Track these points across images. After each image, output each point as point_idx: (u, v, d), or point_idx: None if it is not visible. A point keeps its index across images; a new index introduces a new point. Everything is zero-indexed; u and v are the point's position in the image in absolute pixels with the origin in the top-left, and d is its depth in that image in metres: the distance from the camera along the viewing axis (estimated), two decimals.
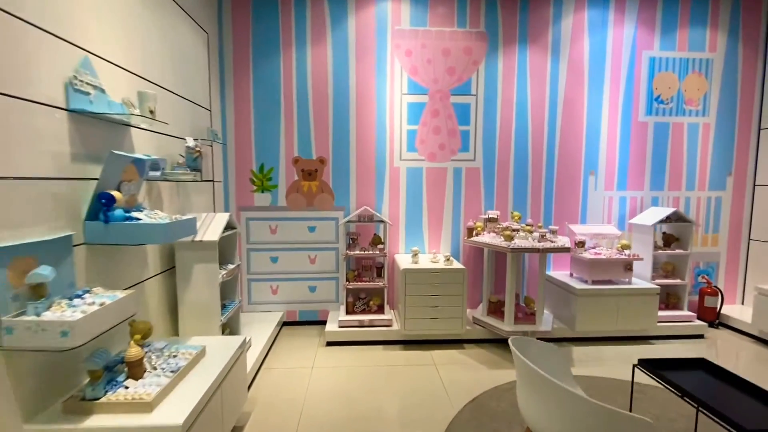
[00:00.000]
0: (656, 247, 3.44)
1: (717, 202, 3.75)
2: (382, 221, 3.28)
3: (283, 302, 3.57)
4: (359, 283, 3.23)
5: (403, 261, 3.26)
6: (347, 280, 3.26)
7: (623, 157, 3.66)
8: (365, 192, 3.53)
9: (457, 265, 3.16)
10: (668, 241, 3.55)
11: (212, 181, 3.12)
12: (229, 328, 2.70)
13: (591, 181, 3.65)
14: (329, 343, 3.16)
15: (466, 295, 3.09)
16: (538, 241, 2.97)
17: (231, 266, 2.63)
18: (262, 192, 3.47)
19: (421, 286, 3.05)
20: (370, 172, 3.51)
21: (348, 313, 3.28)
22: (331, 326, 3.21)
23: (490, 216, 3.35)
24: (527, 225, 3.25)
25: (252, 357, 2.65)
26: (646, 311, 3.21)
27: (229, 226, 2.61)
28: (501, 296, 3.33)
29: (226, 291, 2.69)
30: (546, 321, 3.11)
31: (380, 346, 3.14)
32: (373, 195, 3.54)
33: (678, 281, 3.46)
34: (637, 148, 3.66)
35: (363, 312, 3.31)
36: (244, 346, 2.09)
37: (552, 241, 2.97)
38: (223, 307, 2.56)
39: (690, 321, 3.40)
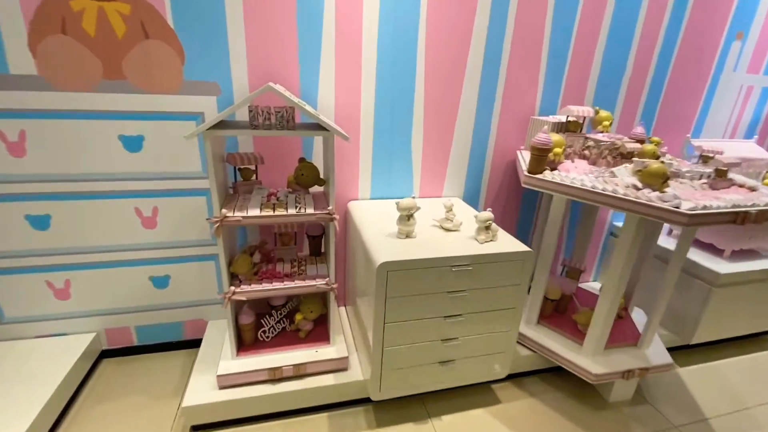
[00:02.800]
0: None
1: None
2: (319, 128, 1.23)
3: (89, 313, 1.54)
4: (264, 286, 1.28)
5: (371, 224, 1.35)
6: (233, 277, 1.29)
7: None
8: (268, 44, 1.36)
9: (509, 242, 1.32)
10: None
11: None
12: None
13: (732, 54, 1.87)
14: (197, 429, 1.32)
15: (522, 306, 1.34)
16: (711, 186, 1.23)
17: None
18: None
19: (422, 301, 1.21)
20: None
21: (242, 349, 1.39)
22: (197, 389, 1.32)
23: (572, 117, 1.48)
24: (636, 138, 1.48)
25: None
26: None
27: None
28: (565, 288, 1.67)
29: None
30: (656, 345, 1.54)
31: (323, 416, 1.39)
32: (293, 55, 1.39)
33: None
34: None
35: (278, 341, 1.45)
36: None
37: (752, 189, 1.23)
38: None
39: None
